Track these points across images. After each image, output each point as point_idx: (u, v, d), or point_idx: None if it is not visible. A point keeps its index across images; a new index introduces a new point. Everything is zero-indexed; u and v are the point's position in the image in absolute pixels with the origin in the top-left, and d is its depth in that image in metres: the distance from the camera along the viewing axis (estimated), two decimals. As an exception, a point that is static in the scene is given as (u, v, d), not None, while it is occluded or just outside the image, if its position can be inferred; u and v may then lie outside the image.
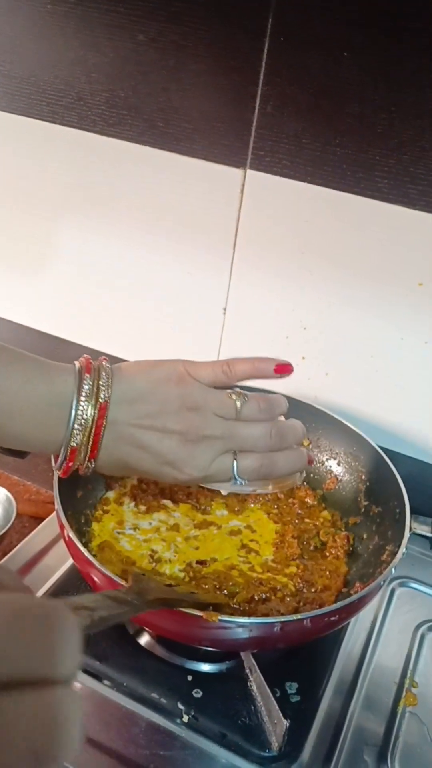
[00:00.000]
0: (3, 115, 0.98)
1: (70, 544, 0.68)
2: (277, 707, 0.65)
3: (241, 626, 0.62)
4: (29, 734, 0.26)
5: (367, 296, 0.89)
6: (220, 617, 0.60)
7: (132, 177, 0.94)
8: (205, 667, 0.72)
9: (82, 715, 0.28)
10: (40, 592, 0.78)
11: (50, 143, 0.97)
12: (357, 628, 0.82)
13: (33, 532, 0.89)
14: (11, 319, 1.14)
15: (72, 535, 0.66)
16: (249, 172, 0.88)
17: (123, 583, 0.62)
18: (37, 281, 1.09)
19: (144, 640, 0.75)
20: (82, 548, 0.65)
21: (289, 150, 0.84)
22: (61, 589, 0.79)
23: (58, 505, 0.70)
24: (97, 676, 0.70)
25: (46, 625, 0.28)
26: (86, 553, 0.65)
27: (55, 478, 0.73)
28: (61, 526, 0.69)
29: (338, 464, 0.90)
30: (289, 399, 0.93)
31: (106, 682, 0.70)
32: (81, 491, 0.81)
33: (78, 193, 0.99)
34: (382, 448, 0.85)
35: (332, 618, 0.65)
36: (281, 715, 0.64)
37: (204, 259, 0.95)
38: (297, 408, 0.93)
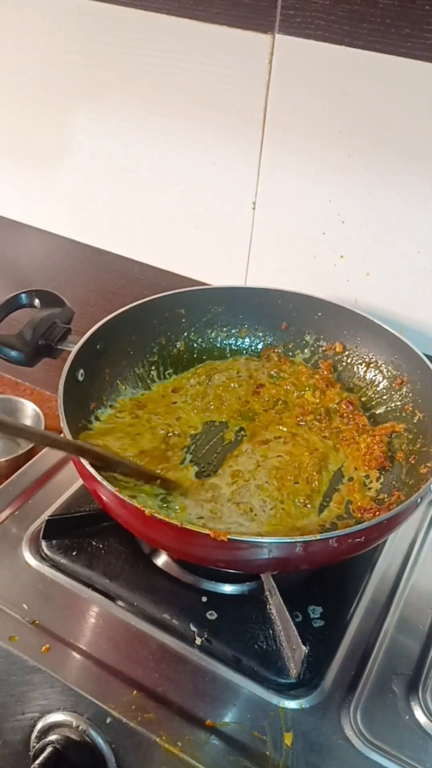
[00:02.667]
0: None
1: (76, 462, 0.63)
2: (296, 632, 0.60)
3: (256, 546, 0.57)
4: None
5: (415, 182, 0.77)
6: (230, 536, 0.54)
7: (145, 53, 0.83)
8: (222, 588, 0.68)
9: None
10: (51, 510, 0.74)
11: (53, 17, 0.87)
12: (393, 548, 0.76)
13: (44, 449, 0.84)
14: (26, 222, 1.07)
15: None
16: (278, 37, 0.76)
17: (133, 503, 0.56)
18: (51, 182, 1.01)
19: (161, 561, 0.70)
20: (88, 466, 0.60)
21: (323, 6, 0.72)
22: (73, 505, 0.74)
23: (62, 417, 0.65)
24: (106, 595, 0.66)
25: None
26: (91, 470, 0.59)
27: (61, 388, 0.68)
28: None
29: (378, 373, 0.82)
30: (326, 303, 0.85)
31: (117, 601, 0.66)
32: (94, 402, 0.76)
33: (87, 76, 0.89)
34: (428, 356, 0.76)
35: (358, 539, 0.58)
36: (300, 640, 0.59)
37: (229, 145, 0.85)
38: (334, 313, 0.85)
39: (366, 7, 0.70)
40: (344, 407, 0.80)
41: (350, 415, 0.79)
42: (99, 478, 0.58)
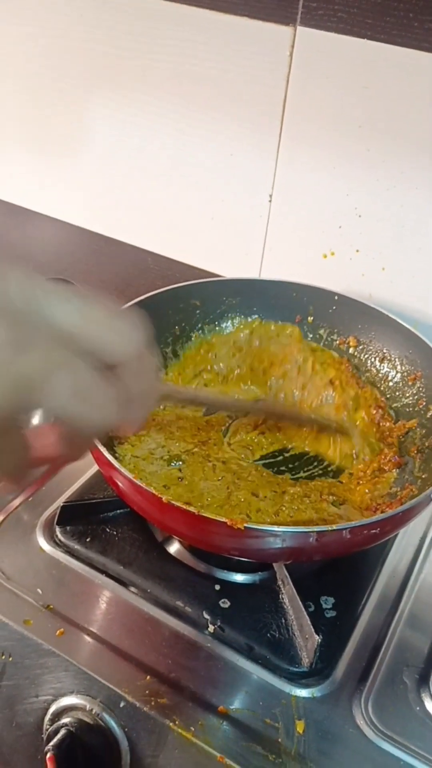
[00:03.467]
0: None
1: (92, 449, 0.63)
2: (309, 621, 0.60)
3: (272, 535, 0.57)
4: None
5: (433, 178, 0.77)
6: (246, 524, 0.54)
7: (165, 42, 0.83)
8: (235, 577, 0.68)
9: None
10: (65, 496, 0.75)
11: (73, 6, 0.86)
12: (405, 542, 0.76)
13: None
14: (40, 211, 1.07)
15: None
16: (299, 29, 0.76)
17: (150, 489, 0.57)
18: (66, 170, 1.01)
19: (174, 549, 0.71)
20: (105, 452, 0.60)
21: (346, -1, 0.72)
22: (87, 492, 0.75)
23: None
24: (120, 581, 0.67)
25: None
26: (109, 456, 0.60)
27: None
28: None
29: (392, 368, 0.82)
30: (341, 296, 0.85)
31: (130, 587, 0.67)
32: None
33: (107, 65, 0.89)
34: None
35: (373, 530, 0.58)
36: (313, 630, 0.59)
37: (247, 137, 0.85)
38: (349, 307, 0.84)
39: (389, 0, 0.70)
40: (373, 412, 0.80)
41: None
42: (116, 464, 0.59)
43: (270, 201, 0.88)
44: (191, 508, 0.55)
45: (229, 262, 0.95)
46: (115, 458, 0.60)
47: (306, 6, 0.74)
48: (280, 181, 0.86)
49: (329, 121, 0.79)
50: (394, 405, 0.80)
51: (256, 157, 0.86)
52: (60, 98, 0.95)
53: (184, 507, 0.55)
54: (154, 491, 0.56)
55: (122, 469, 0.58)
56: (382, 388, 0.82)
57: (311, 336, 0.87)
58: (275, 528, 0.57)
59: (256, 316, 0.88)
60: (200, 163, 0.90)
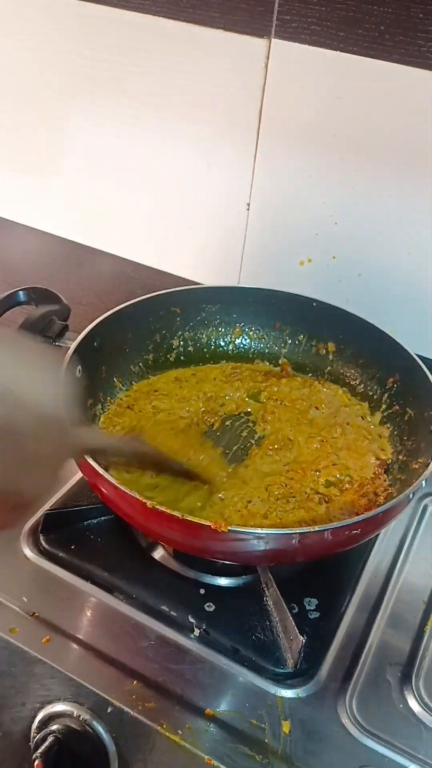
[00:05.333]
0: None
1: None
2: (294, 623, 0.61)
3: (256, 537, 0.58)
4: None
5: (407, 186, 0.79)
6: (230, 527, 0.55)
7: (144, 54, 0.85)
8: (219, 581, 0.69)
9: None
10: (51, 502, 0.75)
11: (52, 18, 0.87)
12: (385, 544, 0.77)
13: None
14: (19, 221, 1.07)
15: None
16: (274, 41, 0.77)
17: (134, 494, 0.57)
18: (45, 181, 1.02)
19: (158, 554, 0.71)
20: (90, 460, 0.60)
21: (319, 12, 0.74)
22: (71, 500, 0.75)
23: (66, 417, 0.66)
24: (105, 587, 0.67)
25: None
26: (93, 464, 0.60)
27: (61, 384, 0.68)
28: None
29: (370, 372, 0.83)
30: (319, 302, 0.87)
31: (115, 593, 0.67)
32: (91, 399, 0.77)
33: (85, 76, 0.90)
34: (419, 356, 0.77)
35: (354, 531, 0.60)
36: (297, 631, 0.60)
37: (224, 146, 0.86)
38: (327, 312, 0.86)
39: (361, 14, 0.72)
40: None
41: None
42: (100, 470, 0.59)
43: (248, 209, 0.89)
44: (176, 513, 0.56)
45: (208, 270, 0.96)
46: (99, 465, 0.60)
47: (280, 19, 0.76)
48: (257, 190, 0.88)
49: (304, 130, 0.81)
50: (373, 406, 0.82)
51: (234, 167, 0.87)
52: (40, 109, 0.96)
53: (168, 511, 0.56)
54: (138, 497, 0.57)
55: (106, 476, 0.59)
56: (361, 391, 0.83)
57: (290, 341, 0.88)
58: (258, 530, 0.58)
59: (237, 324, 0.89)
60: (179, 173, 0.91)
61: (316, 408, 0.81)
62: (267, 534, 0.57)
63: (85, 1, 0.84)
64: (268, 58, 0.79)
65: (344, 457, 0.75)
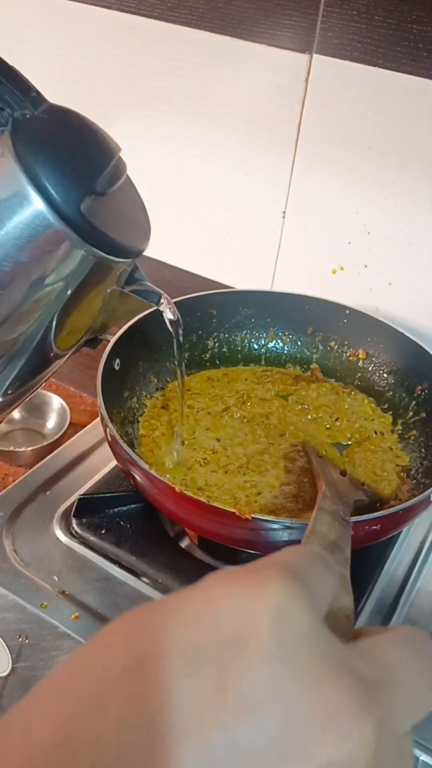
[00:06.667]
0: (55, 0, 0.93)
1: (112, 442, 0.67)
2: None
3: (280, 526, 0.60)
4: None
5: (439, 198, 0.81)
6: (253, 515, 0.58)
7: (189, 67, 0.88)
8: (242, 571, 0.71)
9: None
10: (83, 489, 0.78)
11: (105, 32, 0.92)
12: (404, 547, 0.78)
13: (80, 432, 0.88)
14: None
15: (113, 431, 0.65)
16: (315, 57, 0.80)
17: (163, 479, 0.60)
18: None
19: (185, 543, 0.74)
20: (124, 445, 0.64)
21: (360, 30, 0.77)
22: (103, 487, 0.78)
23: (100, 401, 0.69)
24: (133, 572, 0.70)
25: None
26: (127, 449, 0.63)
27: (99, 374, 0.72)
28: (104, 425, 0.68)
29: (399, 380, 0.85)
30: (351, 310, 0.89)
31: (142, 578, 0.70)
32: (127, 392, 0.80)
33: (131, 86, 0.94)
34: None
35: (374, 527, 0.61)
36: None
37: (263, 157, 0.89)
38: (359, 320, 0.88)
39: (401, 32, 0.75)
40: None
41: None
42: (134, 457, 0.62)
43: (283, 217, 0.92)
44: (202, 498, 0.59)
45: (242, 275, 0.99)
46: (134, 450, 0.64)
47: (322, 35, 0.79)
48: (293, 199, 0.91)
49: (341, 142, 0.84)
50: (401, 413, 0.83)
51: (271, 176, 0.90)
52: (86, 115, 1.00)
53: (195, 497, 0.59)
54: (167, 481, 0.60)
55: (140, 462, 0.62)
56: (390, 399, 0.85)
57: (322, 347, 0.91)
58: (282, 520, 0.60)
59: (271, 328, 0.92)
60: (218, 180, 0.94)
61: (336, 420, 0.83)
62: (290, 524, 0.60)
63: (139, 15, 0.88)
64: (309, 72, 0.82)
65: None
